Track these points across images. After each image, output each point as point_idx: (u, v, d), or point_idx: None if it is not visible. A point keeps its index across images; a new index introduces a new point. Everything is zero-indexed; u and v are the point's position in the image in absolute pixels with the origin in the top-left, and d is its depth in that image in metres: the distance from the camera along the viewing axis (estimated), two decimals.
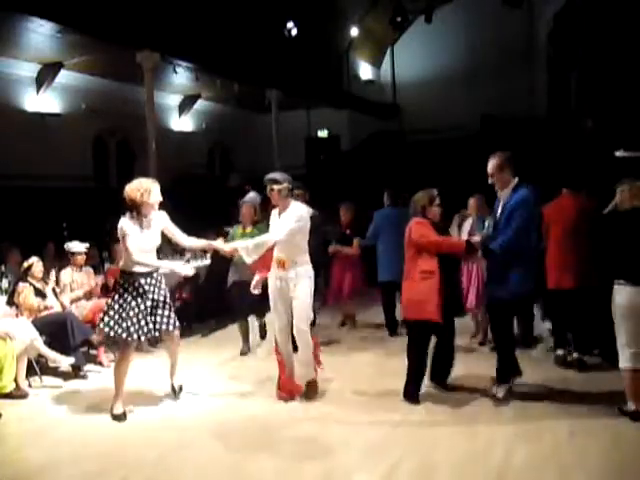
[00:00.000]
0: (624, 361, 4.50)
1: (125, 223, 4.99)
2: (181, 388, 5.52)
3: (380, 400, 5.20)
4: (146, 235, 5.05)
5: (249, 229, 6.75)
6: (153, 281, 5.15)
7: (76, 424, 5.01)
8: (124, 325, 4.96)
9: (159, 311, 5.16)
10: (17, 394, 5.59)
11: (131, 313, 4.99)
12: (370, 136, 19.14)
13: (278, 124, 16.29)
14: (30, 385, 5.91)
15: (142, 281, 5.08)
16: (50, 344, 6.00)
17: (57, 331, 6.11)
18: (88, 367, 6.44)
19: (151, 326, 5.11)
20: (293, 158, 16.96)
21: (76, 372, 6.24)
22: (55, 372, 6.29)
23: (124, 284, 5.06)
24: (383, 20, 18.58)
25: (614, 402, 4.74)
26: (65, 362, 6.02)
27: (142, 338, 5.11)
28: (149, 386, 5.75)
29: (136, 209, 5.00)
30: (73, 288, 6.87)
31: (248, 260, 5.13)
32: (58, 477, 4.08)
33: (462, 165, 11.56)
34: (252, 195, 7.05)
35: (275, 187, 5.12)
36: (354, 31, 18.97)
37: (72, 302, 6.80)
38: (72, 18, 9.86)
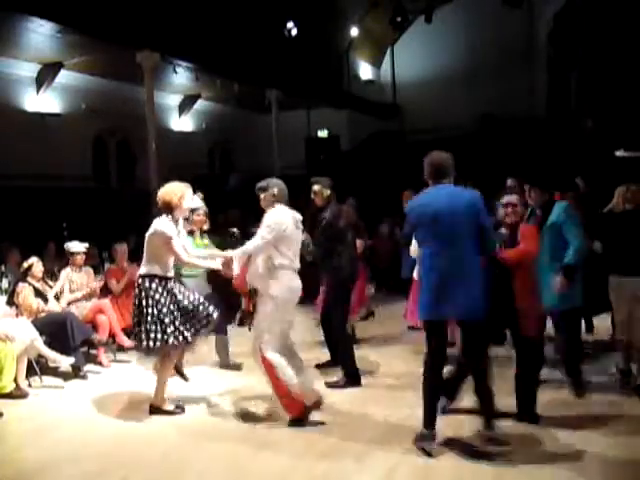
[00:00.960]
0: (619, 333, 5.26)
1: (165, 226, 4.84)
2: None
3: (379, 403, 5.17)
4: (179, 239, 4.98)
5: (198, 239, 6.06)
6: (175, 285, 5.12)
7: (76, 424, 5.01)
8: (177, 328, 4.87)
9: (182, 318, 5.06)
10: (17, 394, 5.59)
11: (173, 316, 4.88)
12: (370, 136, 19.15)
13: (278, 124, 16.32)
14: (30, 385, 5.90)
15: (169, 285, 4.97)
16: (50, 344, 5.99)
17: (57, 331, 6.10)
18: (88, 367, 6.44)
19: (189, 326, 5.00)
20: (293, 158, 16.98)
21: (76, 372, 6.23)
22: (55, 372, 6.29)
23: (157, 288, 4.88)
24: (383, 20, 18.60)
25: (613, 403, 4.75)
26: (65, 362, 6.01)
27: (190, 337, 4.99)
28: (149, 387, 5.74)
29: (170, 212, 4.90)
30: (73, 289, 6.86)
31: (235, 271, 4.91)
32: (58, 477, 4.08)
33: (462, 165, 11.55)
34: (200, 201, 6.14)
35: (261, 195, 4.90)
36: (354, 31, 19.00)
37: (69, 304, 6.77)
38: (72, 18, 9.90)
